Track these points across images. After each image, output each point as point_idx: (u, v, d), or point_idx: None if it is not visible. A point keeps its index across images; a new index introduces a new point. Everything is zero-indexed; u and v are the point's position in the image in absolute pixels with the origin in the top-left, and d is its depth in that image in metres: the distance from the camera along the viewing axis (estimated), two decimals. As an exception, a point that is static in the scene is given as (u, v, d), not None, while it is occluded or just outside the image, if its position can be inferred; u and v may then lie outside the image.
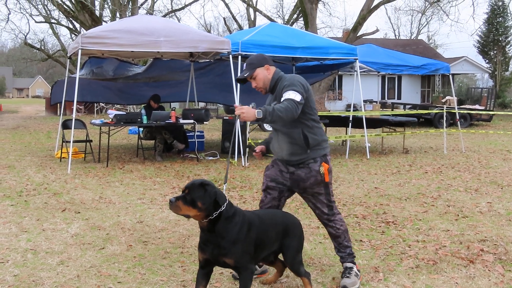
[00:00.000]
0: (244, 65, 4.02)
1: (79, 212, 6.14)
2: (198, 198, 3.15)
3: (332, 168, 4.00)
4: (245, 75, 3.96)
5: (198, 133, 12.21)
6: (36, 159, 10.69)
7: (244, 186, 7.90)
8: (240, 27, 39.29)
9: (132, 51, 10.59)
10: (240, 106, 3.64)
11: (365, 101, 14.64)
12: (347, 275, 3.91)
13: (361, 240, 5.08)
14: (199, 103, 15.37)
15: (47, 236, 5.13)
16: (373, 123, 13.28)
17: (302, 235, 3.80)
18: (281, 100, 3.71)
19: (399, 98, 33.50)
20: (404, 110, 22.14)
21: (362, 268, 4.27)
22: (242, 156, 10.12)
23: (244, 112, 3.60)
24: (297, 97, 3.69)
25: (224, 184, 3.76)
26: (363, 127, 11.73)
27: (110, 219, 5.83)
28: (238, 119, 3.67)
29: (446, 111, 14.07)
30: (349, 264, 3.99)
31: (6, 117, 26.25)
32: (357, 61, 11.60)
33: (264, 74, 3.94)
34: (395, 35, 60.04)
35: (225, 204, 3.23)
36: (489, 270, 4.22)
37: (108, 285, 3.86)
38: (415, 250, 4.75)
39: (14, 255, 4.52)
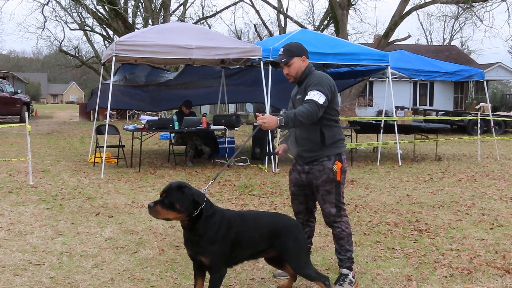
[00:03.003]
0: (281, 49, 3.96)
1: (112, 216, 6.24)
2: (176, 201, 3.23)
3: (346, 169, 3.99)
4: (282, 60, 3.91)
5: (229, 139, 12.27)
6: (71, 164, 10.91)
7: (274, 192, 7.91)
8: (271, 34, 39.38)
9: (164, 58, 10.73)
10: (262, 115, 3.68)
11: (396, 108, 14.47)
12: (341, 282, 3.88)
13: (393, 248, 5.03)
14: (229, 104, 15.47)
15: (81, 240, 5.23)
16: (405, 129, 13.13)
17: (301, 236, 3.70)
18: (305, 99, 3.73)
19: (431, 104, 33.02)
20: (437, 116, 21.81)
21: (394, 276, 4.22)
22: (273, 162, 10.12)
23: (266, 122, 3.64)
24: (320, 99, 3.72)
25: (212, 181, 3.81)
26: (394, 134, 11.61)
27: (142, 223, 5.91)
28: (258, 128, 3.70)
29: (480, 118, 13.82)
30: (344, 271, 3.95)
31: (41, 122, 26.84)
32: (389, 67, 11.50)
33: (299, 64, 3.92)
34: (427, 41, 59.32)
35: (204, 203, 3.31)
36: (526, 281, 4.12)
37: (141, 289, 3.92)
38: (449, 259, 4.68)
39: (50, 258, 4.62)
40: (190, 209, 3.26)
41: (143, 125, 10.70)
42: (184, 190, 3.26)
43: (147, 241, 5.20)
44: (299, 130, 3.94)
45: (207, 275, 3.45)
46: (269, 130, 4.19)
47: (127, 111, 27.95)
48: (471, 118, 18.61)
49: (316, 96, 3.71)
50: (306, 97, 3.74)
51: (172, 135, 11.60)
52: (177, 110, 11.87)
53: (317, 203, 4.12)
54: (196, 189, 3.35)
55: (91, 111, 23.39)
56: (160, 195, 3.29)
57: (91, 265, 4.45)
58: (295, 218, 4.01)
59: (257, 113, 3.81)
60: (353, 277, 3.95)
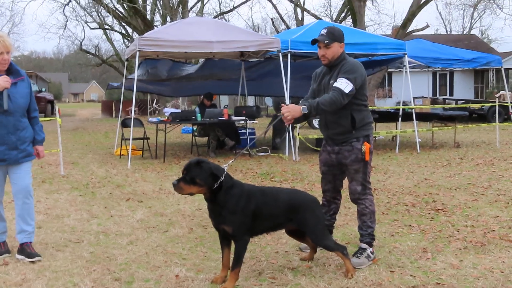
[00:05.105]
0: (324, 30, 4.16)
1: (142, 201, 6.58)
2: (196, 176, 3.53)
3: (372, 150, 4.23)
4: (325, 41, 4.07)
5: (250, 130, 12.55)
6: (97, 156, 11.31)
7: (295, 179, 8.18)
8: (288, 27, 39.47)
9: (185, 52, 11.05)
10: (286, 105, 3.95)
11: (415, 98, 14.56)
12: (358, 255, 4.11)
13: (410, 225, 5.26)
14: (249, 98, 15.80)
15: (115, 221, 5.57)
16: (424, 117, 13.26)
17: (318, 211, 3.98)
18: (333, 86, 3.98)
19: (451, 94, 32.82)
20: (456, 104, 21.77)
21: (410, 248, 4.47)
22: (293, 151, 10.37)
23: (290, 110, 3.91)
24: (347, 88, 3.95)
25: (231, 161, 4.21)
26: (412, 122, 11.76)
27: (171, 207, 6.23)
28: (280, 118, 3.98)
29: (499, 104, 13.86)
30: (363, 245, 4.18)
31: (65, 120, 27.34)
32: (406, 56, 11.64)
33: (337, 49, 4.13)
34: (447, 31, 58.78)
35: (223, 175, 3.59)
36: (537, 251, 4.33)
37: (174, 261, 4.23)
38: (464, 234, 4.90)
39: (88, 236, 4.97)
40: (210, 182, 3.55)
41: (166, 117, 11.04)
42: (203, 165, 3.57)
43: (176, 222, 5.51)
44: (330, 115, 4.14)
45: (233, 247, 3.73)
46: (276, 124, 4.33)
47: (148, 106, 28.47)
48: (491, 105, 18.58)
49: (343, 84, 3.95)
50: (334, 84, 3.99)
51: (194, 127, 11.92)
52: (198, 103, 12.20)
53: (344, 181, 4.39)
54: (214, 163, 3.65)
55: (113, 105, 24.15)
56: (182, 173, 3.59)
57: (126, 242, 4.78)
58: (312, 195, 4.27)
59: (282, 104, 4.09)
60: (372, 253, 4.18)
